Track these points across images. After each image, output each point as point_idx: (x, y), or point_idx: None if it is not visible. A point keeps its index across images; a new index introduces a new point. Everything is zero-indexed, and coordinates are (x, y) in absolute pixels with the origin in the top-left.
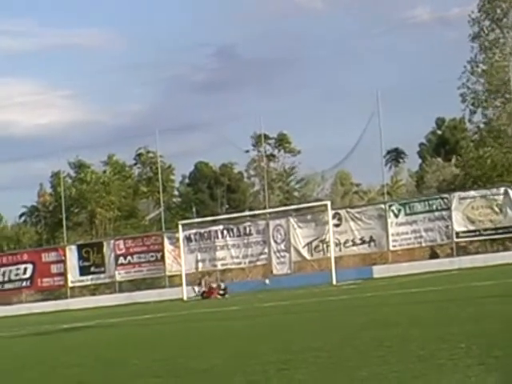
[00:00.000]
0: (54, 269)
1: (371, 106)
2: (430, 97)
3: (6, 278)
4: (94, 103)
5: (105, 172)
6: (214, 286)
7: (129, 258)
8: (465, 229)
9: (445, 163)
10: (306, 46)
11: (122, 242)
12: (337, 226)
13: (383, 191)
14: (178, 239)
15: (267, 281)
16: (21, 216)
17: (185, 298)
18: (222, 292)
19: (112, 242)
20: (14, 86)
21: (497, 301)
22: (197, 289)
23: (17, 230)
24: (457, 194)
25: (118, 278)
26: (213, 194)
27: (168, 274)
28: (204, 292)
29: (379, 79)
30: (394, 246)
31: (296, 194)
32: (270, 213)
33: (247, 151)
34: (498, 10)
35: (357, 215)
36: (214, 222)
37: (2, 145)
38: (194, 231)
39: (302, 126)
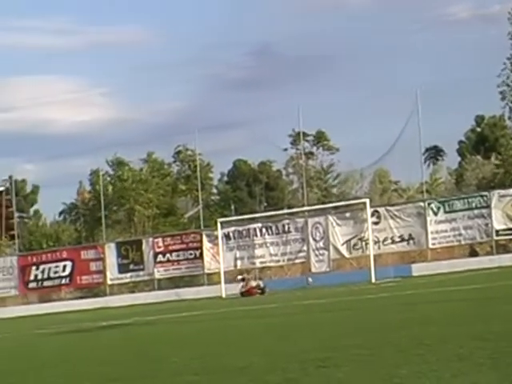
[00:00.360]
0: (93, 266)
1: (410, 103)
2: (469, 94)
3: (46, 276)
4: (133, 101)
5: (142, 170)
6: (254, 284)
7: (167, 255)
8: (504, 227)
9: (484, 161)
10: (344, 43)
11: (160, 239)
12: (376, 223)
13: (422, 189)
14: (216, 237)
15: (310, 279)
16: (60, 213)
17: (223, 296)
18: (260, 290)
19: (151, 239)
20: (54, 83)
21: None
22: (240, 284)
23: (56, 227)
24: (496, 192)
25: (156, 275)
26: (251, 192)
27: (206, 271)
28: (243, 291)
29: (419, 77)
30: (434, 244)
31: (334, 191)
32: (308, 210)
33: (285, 149)
34: None
35: (396, 213)
36: (253, 220)
37: (42, 143)
38: (232, 229)
39: (341, 124)
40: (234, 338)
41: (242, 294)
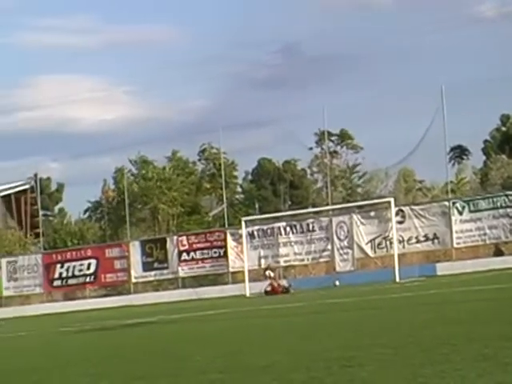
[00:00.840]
0: (118, 264)
1: (435, 102)
2: (494, 93)
3: (70, 274)
4: (157, 99)
5: (166, 168)
6: (277, 283)
7: (192, 254)
8: None
9: (509, 160)
10: (368, 42)
11: (184, 238)
12: (400, 222)
13: (447, 188)
14: (240, 235)
15: (337, 282)
16: (85, 212)
17: (247, 295)
18: (285, 289)
19: (175, 237)
20: (79, 82)
21: None
22: (265, 284)
23: (81, 225)
24: None
25: (180, 273)
26: (276, 191)
27: (231, 270)
28: (268, 290)
29: (443, 76)
30: (458, 244)
31: (359, 190)
32: (332, 209)
33: (311, 148)
34: None
35: (420, 212)
36: (277, 219)
37: (67, 141)
38: (256, 227)
39: (365, 123)
40: (257, 336)
41: (266, 292)
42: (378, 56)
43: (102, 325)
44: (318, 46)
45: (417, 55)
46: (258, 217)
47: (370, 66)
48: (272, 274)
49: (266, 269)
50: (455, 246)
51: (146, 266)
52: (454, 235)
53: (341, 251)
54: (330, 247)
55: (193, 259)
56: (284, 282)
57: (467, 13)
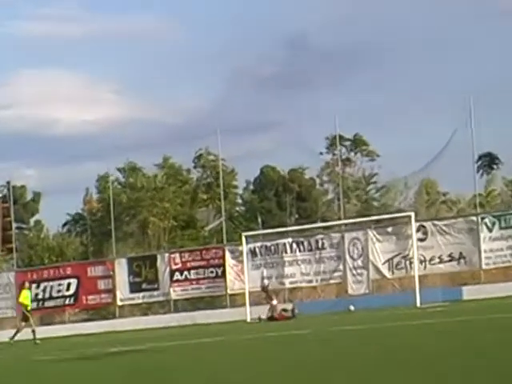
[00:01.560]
0: (101, 285)
1: (462, 104)
2: None
3: (47, 295)
4: (148, 99)
5: (157, 176)
6: (280, 306)
7: (185, 273)
8: None
9: None
10: (387, 36)
11: (177, 255)
12: (421, 240)
13: (475, 201)
14: (241, 253)
15: (352, 307)
16: (64, 225)
17: (248, 320)
18: (290, 314)
19: (167, 255)
20: (58, 78)
21: None
22: (264, 313)
23: (60, 240)
24: None
25: (173, 296)
26: (281, 203)
27: (229, 292)
28: (270, 315)
29: (472, 75)
30: (487, 264)
31: (375, 203)
32: (345, 224)
33: (321, 153)
34: None
35: (444, 228)
36: (282, 234)
37: (44, 145)
38: (259, 244)
39: (383, 127)
40: (261, 367)
41: (270, 317)
42: (398, 52)
43: (83, 353)
44: (328, 39)
45: (442, 51)
46: (261, 232)
47: (389, 62)
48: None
49: (263, 289)
50: (484, 267)
51: (134, 287)
52: (483, 255)
53: (354, 272)
54: (341, 267)
55: (186, 279)
56: (287, 306)
57: (501, 7)
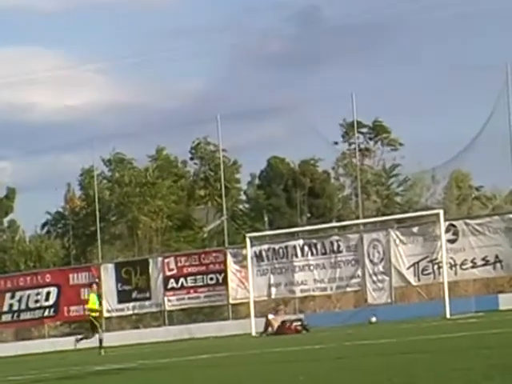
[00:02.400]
0: (85, 294)
1: (499, 85)
2: None
3: (24, 306)
4: (137, 80)
5: (147, 169)
6: (289, 318)
7: (181, 280)
8: None
9: None
10: (411, 7)
11: (172, 259)
12: (452, 241)
13: None
14: (245, 257)
15: (374, 318)
16: (43, 226)
17: (254, 333)
18: (301, 326)
19: (160, 259)
20: (34, 57)
21: None
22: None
23: (37, 243)
24: None
25: (167, 306)
26: (290, 199)
27: (232, 301)
28: (278, 327)
29: (509, 51)
30: None
31: (398, 199)
32: (364, 224)
33: (336, 143)
34: None
35: (478, 228)
36: (292, 236)
37: (20, 133)
38: (265, 247)
39: (406, 112)
40: None
41: (278, 331)
42: (424, 24)
43: (65, 372)
44: (343, 12)
45: (475, 23)
46: (268, 233)
47: (413, 37)
48: (281, 310)
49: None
50: None
51: (123, 296)
52: None
53: (374, 278)
54: (360, 273)
55: (183, 287)
56: (300, 316)
57: None
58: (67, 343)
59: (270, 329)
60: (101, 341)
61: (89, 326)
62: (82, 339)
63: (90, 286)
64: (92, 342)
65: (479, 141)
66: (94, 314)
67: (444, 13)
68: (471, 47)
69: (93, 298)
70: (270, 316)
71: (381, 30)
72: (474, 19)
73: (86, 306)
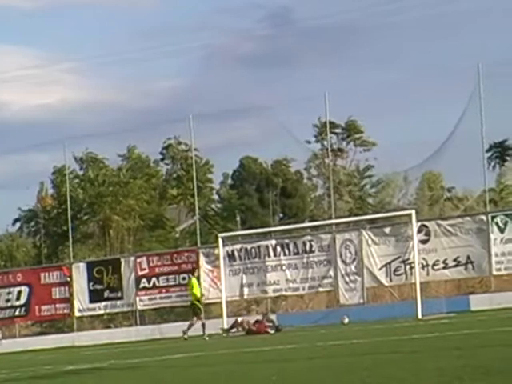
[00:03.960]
0: (57, 293)
1: (470, 86)
2: None
3: None
4: (110, 79)
5: (120, 169)
6: (260, 318)
7: (153, 280)
8: None
9: None
10: (385, 8)
11: (144, 259)
12: (424, 242)
13: (484, 198)
14: (217, 257)
15: (346, 319)
16: (14, 222)
17: (220, 328)
18: (271, 325)
19: (132, 259)
20: (7, 55)
21: None
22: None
23: (9, 241)
24: None
25: (139, 306)
26: (263, 199)
27: (204, 301)
28: (250, 328)
29: (482, 52)
30: (499, 270)
31: (370, 200)
32: (336, 224)
33: (308, 142)
34: None
35: (450, 229)
36: (265, 236)
37: None
38: (238, 246)
39: (379, 112)
40: None
41: (248, 331)
42: (396, 26)
43: (36, 372)
44: (315, 12)
45: (447, 25)
46: (240, 233)
47: (385, 38)
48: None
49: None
50: (494, 272)
51: (94, 296)
52: (494, 259)
53: (346, 278)
54: (332, 273)
55: (155, 287)
56: (270, 317)
57: None
58: (38, 343)
59: (235, 329)
60: (203, 325)
61: (191, 311)
62: (188, 329)
63: (191, 271)
64: (61, 341)
65: (451, 142)
66: (196, 299)
67: (415, 14)
68: (443, 48)
69: (195, 283)
70: (240, 319)
71: (353, 31)
72: (445, 20)
73: (188, 292)
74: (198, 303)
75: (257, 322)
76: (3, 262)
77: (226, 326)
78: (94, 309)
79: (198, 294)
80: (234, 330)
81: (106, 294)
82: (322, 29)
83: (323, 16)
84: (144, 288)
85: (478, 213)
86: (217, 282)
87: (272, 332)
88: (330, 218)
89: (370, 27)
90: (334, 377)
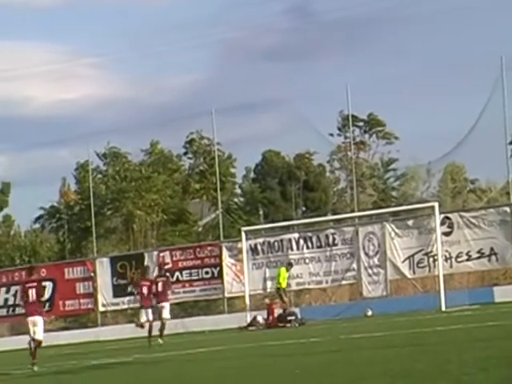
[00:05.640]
0: (81, 288)
1: (493, 78)
2: None
3: (18, 300)
4: (132, 74)
5: (142, 164)
6: (282, 311)
7: (177, 274)
8: None
9: None
10: (405, 0)
11: (167, 253)
12: (447, 234)
13: (508, 189)
14: (240, 250)
15: (370, 312)
16: (37, 220)
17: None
18: (296, 320)
19: (155, 253)
20: (30, 51)
21: None
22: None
23: (32, 237)
24: None
25: None
26: (285, 193)
27: (227, 295)
28: (271, 321)
29: (504, 44)
30: None
31: (393, 192)
32: (359, 217)
33: (331, 134)
34: None
35: (473, 221)
36: (288, 229)
37: (14, 127)
38: (261, 240)
39: (401, 105)
40: (264, 381)
41: (269, 324)
42: (419, 19)
43: (61, 367)
44: (335, 4)
45: (471, 17)
46: (263, 226)
47: (408, 31)
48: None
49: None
50: None
51: (118, 291)
52: None
53: (369, 271)
54: (355, 266)
55: (178, 281)
56: (292, 310)
57: None
58: (62, 338)
59: (254, 327)
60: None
61: (279, 299)
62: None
63: (289, 264)
64: (85, 336)
65: (473, 134)
66: (277, 287)
67: (439, 5)
68: (464, 40)
69: (283, 271)
70: (267, 300)
71: (373, 23)
72: (468, 12)
73: (279, 281)
74: (283, 292)
75: (280, 315)
76: (27, 257)
77: (247, 321)
78: (117, 303)
79: (282, 285)
80: (254, 327)
81: (129, 289)
82: (342, 21)
83: (343, 8)
84: None
85: (501, 204)
86: (240, 275)
87: (295, 325)
88: (353, 211)
89: (391, 19)
90: (356, 369)
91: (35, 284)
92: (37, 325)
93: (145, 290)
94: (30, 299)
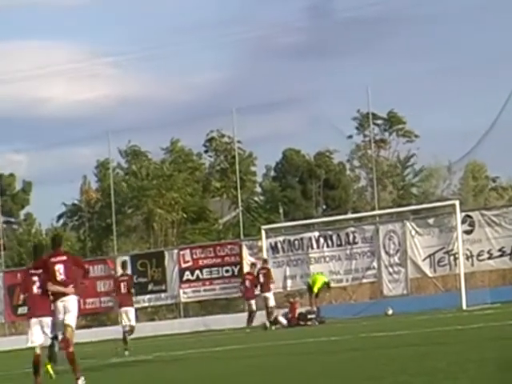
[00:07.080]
0: (101, 286)
1: None
2: None
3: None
4: (153, 73)
5: (163, 162)
6: (303, 310)
7: (197, 272)
8: None
9: None
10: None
11: (188, 251)
12: (468, 232)
13: None
14: (260, 249)
15: (391, 310)
16: (59, 218)
17: (268, 325)
18: (316, 318)
19: (175, 251)
20: (50, 50)
21: None
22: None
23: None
24: None
25: (182, 298)
26: (306, 191)
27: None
28: (291, 319)
29: None
30: None
31: (414, 190)
32: (380, 215)
33: (350, 136)
34: None
35: (494, 219)
36: (308, 227)
37: (35, 127)
38: (281, 238)
39: (421, 103)
40: (283, 380)
41: (290, 322)
42: (436, 15)
43: (81, 365)
44: (356, 2)
45: (492, 14)
46: (283, 224)
47: (427, 28)
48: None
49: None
50: None
51: (138, 289)
52: None
53: (390, 270)
54: (375, 264)
55: (198, 279)
56: (316, 309)
57: None
58: (82, 336)
59: (277, 325)
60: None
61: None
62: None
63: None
64: (105, 334)
65: (494, 131)
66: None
67: (456, 3)
68: (484, 38)
69: (321, 280)
70: (291, 299)
71: (393, 21)
72: (488, 9)
73: (314, 284)
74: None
75: (300, 314)
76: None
77: (266, 323)
78: (138, 301)
79: (314, 290)
80: (278, 325)
81: (149, 287)
82: (363, 19)
83: (364, 6)
84: (188, 280)
85: None
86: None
87: (315, 324)
88: (373, 209)
89: (411, 17)
90: (376, 368)
91: (126, 278)
92: (128, 314)
93: (248, 283)
94: (122, 291)
